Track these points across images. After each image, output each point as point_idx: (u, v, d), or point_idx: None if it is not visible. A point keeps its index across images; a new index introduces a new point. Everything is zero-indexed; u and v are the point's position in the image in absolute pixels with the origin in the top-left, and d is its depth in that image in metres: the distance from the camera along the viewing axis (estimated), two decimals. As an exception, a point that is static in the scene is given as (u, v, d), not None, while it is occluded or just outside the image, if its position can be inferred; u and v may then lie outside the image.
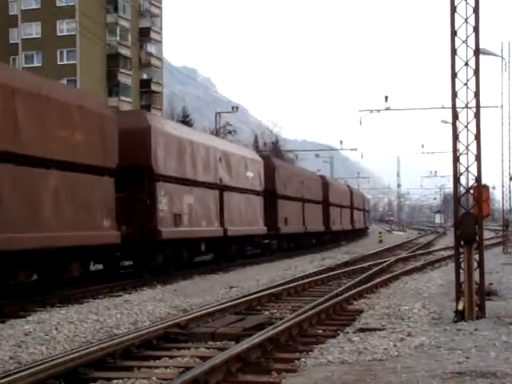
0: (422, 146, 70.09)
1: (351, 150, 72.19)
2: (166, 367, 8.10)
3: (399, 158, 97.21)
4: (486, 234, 45.84)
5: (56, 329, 10.62)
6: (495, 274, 18.97)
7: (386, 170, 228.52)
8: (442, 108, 38.78)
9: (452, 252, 12.77)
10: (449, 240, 39.24)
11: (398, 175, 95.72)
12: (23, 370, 7.29)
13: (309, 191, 37.03)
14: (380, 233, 54.64)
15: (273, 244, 30.29)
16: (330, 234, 43.30)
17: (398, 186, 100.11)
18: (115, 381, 7.50)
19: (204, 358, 8.24)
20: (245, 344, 8.39)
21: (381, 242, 46.51)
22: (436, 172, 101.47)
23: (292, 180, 33.73)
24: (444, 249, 33.28)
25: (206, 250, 23.47)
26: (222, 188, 24.22)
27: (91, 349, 8.39)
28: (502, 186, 34.50)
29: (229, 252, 25.23)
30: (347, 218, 50.07)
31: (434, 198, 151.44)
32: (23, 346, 9.27)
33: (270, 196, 29.95)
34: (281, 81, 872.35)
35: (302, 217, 35.38)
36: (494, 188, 76.96)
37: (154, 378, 7.49)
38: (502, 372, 7.12)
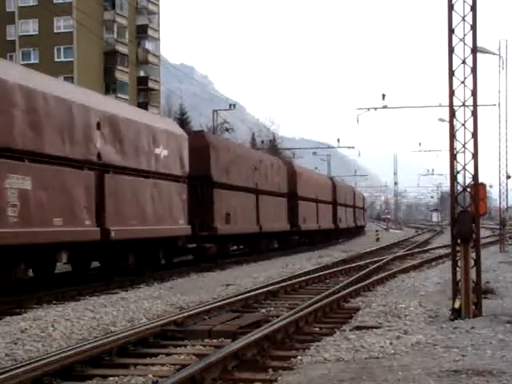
0: (419, 144, 70.17)
1: (348, 148, 72.12)
2: (163, 365, 8.09)
3: (396, 156, 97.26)
4: (483, 233, 45.98)
5: (52, 326, 10.60)
6: (492, 272, 18.99)
7: (383, 168, 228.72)
8: (439, 106, 38.74)
9: (449, 250, 12.78)
10: (446, 238, 39.26)
11: (395, 173, 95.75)
12: (19, 367, 7.27)
13: (321, 193, 41.80)
14: (377, 231, 54.70)
15: (294, 239, 35.19)
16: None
17: (395, 184, 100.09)
18: (111, 378, 7.49)
19: (200, 356, 8.23)
20: (241, 342, 8.38)
21: (378, 240, 46.55)
22: (433, 170, 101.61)
23: (309, 183, 38.54)
24: (441, 247, 33.32)
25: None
26: (257, 192, 28.54)
27: (87, 346, 8.38)
28: (499, 185, 34.51)
29: (262, 245, 29.70)
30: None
31: (431, 197, 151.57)
32: (19, 343, 9.25)
33: (293, 199, 34.16)
34: (278, 79, 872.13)
35: (316, 216, 39.80)
36: (491, 186, 77.09)
37: (150, 376, 7.48)
38: (498, 370, 7.12)
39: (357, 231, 59.59)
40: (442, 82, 11.56)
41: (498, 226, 37.06)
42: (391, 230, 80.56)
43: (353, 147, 70.94)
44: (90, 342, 8.83)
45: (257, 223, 28.30)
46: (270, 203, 30.41)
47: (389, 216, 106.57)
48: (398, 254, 28.22)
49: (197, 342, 9.47)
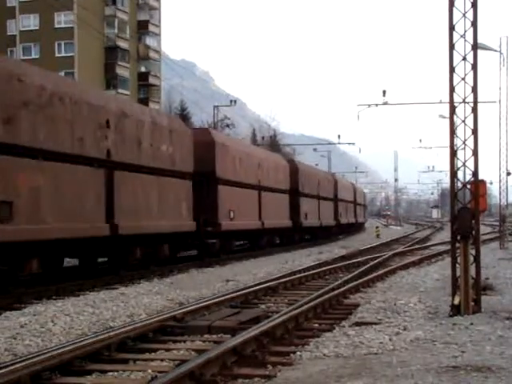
0: (420, 140, 69.96)
1: (349, 144, 72.12)
2: (162, 360, 8.10)
3: (397, 152, 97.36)
4: (483, 229, 45.97)
5: (52, 321, 10.62)
6: (492, 268, 19.00)
7: (383, 165, 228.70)
8: (440, 103, 38.66)
9: (449, 247, 12.79)
10: (446, 235, 39.27)
11: (395, 170, 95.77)
12: (18, 362, 7.28)
13: (323, 190, 42.15)
14: (377, 227, 54.71)
15: (296, 235, 35.57)
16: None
17: (396, 180, 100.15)
18: (110, 373, 7.50)
19: (200, 351, 8.24)
20: (240, 337, 8.39)
21: (378, 236, 46.55)
22: (433, 167, 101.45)
23: (311, 180, 38.97)
24: (441, 243, 33.31)
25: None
26: (260, 188, 29.01)
27: (87, 341, 8.38)
28: (500, 181, 34.49)
29: (266, 241, 30.47)
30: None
31: (432, 193, 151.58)
32: (19, 338, 9.27)
33: (295, 195, 34.54)
34: (279, 75, 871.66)
35: (318, 212, 40.17)
36: (491, 183, 77.04)
37: (149, 371, 7.48)
38: (497, 366, 7.13)
39: (357, 227, 60.33)
40: (442, 78, 11.56)
41: (498, 223, 37.05)
42: (391, 227, 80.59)
43: (353, 143, 70.97)
44: (90, 337, 8.85)
45: (259, 219, 28.50)
46: (273, 200, 30.66)
47: (389, 212, 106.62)
48: (397, 251, 28.22)
49: (196, 337, 9.47)
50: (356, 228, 59.22)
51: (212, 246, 23.57)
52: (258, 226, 28.33)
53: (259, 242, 29.80)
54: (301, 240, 36.65)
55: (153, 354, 8.50)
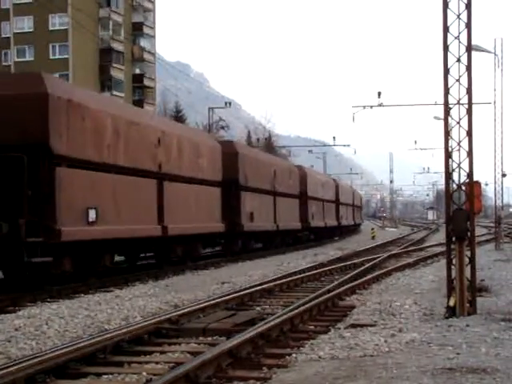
0: (415, 142, 70.22)
1: (344, 146, 72.39)
2: (157, 362, 8.07)
3: (392, 154, 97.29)
4: (479, 231, 46.02)
5: (46, 324, 10.59)
6: (487, 270, 19.02)
7: (378, 166, 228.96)
8: (435, 104, 38.74)
9: (444, 248, 12.79)
10: (441, 236, 39.25)
11: (390, 171, 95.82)
12: (12, 365, 7.25)
13: (327, 193, 45.38)
14: (372, 229, 54.75)
15: (304, 235, 38.81)
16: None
17: (391, 182, 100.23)
18: (105, 376, 7.48)
19: (195, 354, 8.22)
20: (236, 339, 8.37)
21: (373, 238, 46.57)
22: (429, 168, 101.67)
23: (317, 184, 42.17)
24: (436, 245, 33.33)
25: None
26: (275, 194, 32.27)
27: (82, 344, 8.35)
28: (495, 183, 34.55)
29: (278, 242, 33.45)
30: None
31: (427, 195, 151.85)
32: (13, 341, 9.23)
33: (303, 199, 37.83)
34: (274, 76, 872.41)
35: (323, 214, 43.47)
36: (486, 184, 77.15)
37: (144, 374, 7.46)
38: (492, 368, 7.13)
39: (355, 228, 62.78)
40: (437, 80, 11.58)
41: (494, 224, 37.09)
42: (387, 228, 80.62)
43: (348, 145, 71.11)
44: (84, 339, 8.82)
45: (274, 221, 31.93)
46: (285, 204, 34.10)
47: (384, 214, 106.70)
48: (393, 252, 28.24)
49: (191, 339, 9.45)
50: (354, 228, 61.53)
51: (235, 245, 27.23)
52: (274, 228, 31.78)
53: (274, 242, 32.82)
54: (308, 240, 39.68)
55: (148, 356, 8.48)
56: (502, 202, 36.07)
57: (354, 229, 61.15)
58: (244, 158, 27.98)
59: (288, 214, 34.52)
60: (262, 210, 29.76)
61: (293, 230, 36.05)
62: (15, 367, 7.15)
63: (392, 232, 65.88)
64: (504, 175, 34.93)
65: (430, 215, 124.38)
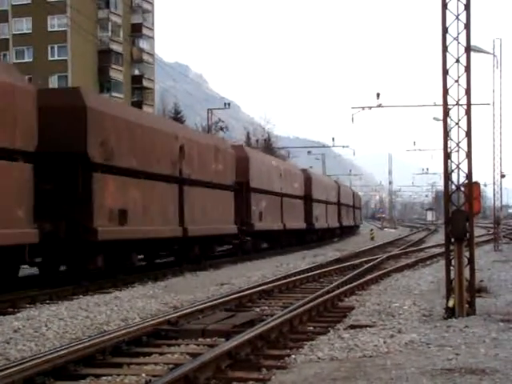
0: (414, 143, 70.23)
1: (343, 147, 72.30)
2: (156, 364, 8.07)
3: (391, 155, 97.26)
4: (478, 232, 45.99)
5: (45, 325, 10.58)
6: (486, 270, 19.03)
7: (377, 168, 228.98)
8: (434, 105, 38.68)
9: (443, 249, 12.80)
10: (440, 237, 39.27)
11: (389, 172, 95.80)
12: (11, 367, 7.24)
13: (329, 195, 46.47)
14: (371, 230, 54.74)
15: (309, 236, 40.10)
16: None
17: (390, 183, 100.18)
18: (104, 377, 7.47)
19: (194, 355, 8.21)
20: (235, 341, 8.37)
21: (372, 239, 46.58)
22: (428, 169, 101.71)
23: (320, 186, 43.46)
24: (435, 246, 33.34)
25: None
26: (282, 195, 33.66)
27: (81, 345, 8.35)
28: (494, 184, 34.55)
29: (286, 241, 34.82)
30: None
31: (426, 196, 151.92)
32: (12, 343, 9.22)
33: (308, 201, 39.12)
34: (273, 78, 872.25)
35: (326, 215, 44.73)
36: (485, 185, 77.19)
37: (143, 375, 7.46)
38: (491, 369, 7.13)
39: (355, 230, 63.08)
40: (436, 80, 11.60)
41: (493, 225, 37.10)
42: (386, 229, 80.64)
43: (347, 146, 71.09)
44: (84, 341, 8.81)
45: (281, 221, 33.19)
46: (291, 205, 35.38)
47: (383, 215, 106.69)
48: (392, 253, 28.24)
49: (190, 341, 9.45)
50: (354, 229, 62.01)
51: (246, 244, 28.24)
52: (281, 228, 33.14)
53: (281, 241, 34.03)
54: (312, 240, 40.64)
55: (147, 357, 8.48)
56: (501, 202, 36.06)
57: (353, 229, 61.70)
58: (254, 161, 29.51)
59: (294, 215, 35.89)
60: (270, 211, 31.18)
61: (298, 230, 37.58)
62: (14, 369, 7.14)
63: (391, 233, 65.89)
64: (503, 176, 34.93)
65: (429, 216, 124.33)
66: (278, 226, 32.72)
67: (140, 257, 20.90)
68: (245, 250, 28.23)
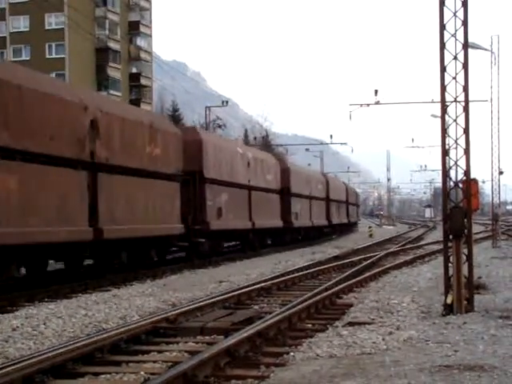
0: (412, 140, 70.42)
1: (341, 144, 72.19)
2: (155, 362, 8.07)
3: (389, 152, 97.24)
4: (476, 228, 46.03)
5: (44, 324, 10.57)
6: (484, 267, 19.05)
7: (376, 164, 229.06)
8: (432, 102, 38.62)
9: (441, 246, 12.83)
10: (438, 234, 39.32)
11: (387, 169, 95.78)
12: (10, 365, 7.24)
13: (315, 189, 42.18)
14: (370, 227, 54.74)
15: (287, 236, 35.38)
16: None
17: (388, 180, 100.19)
18: (103, 375, 7.47)
19: (193, 353, 8.21)
20: (233, 338, 8.37)
21: (371, 236, 46.59)
22: (426, 166, 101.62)
23: (302, 179, 38.82)
24: (433, 243, 33.37)
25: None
26: (250, 188, 29.08)
27: (79, 343, 8.35)
28: (492, 180, 34.56)
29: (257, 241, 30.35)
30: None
31: (424, 192, 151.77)
32: (11, 341, 9.22)
33: (286, 195, 34.41)
34: (271, 75, 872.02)
35: (310, 212, 40.79)
36: (483, 182, 77.16)
37: (142, 373, 7.46)
38: (489, 365, 7.13)
39: (350, 227, 59.10)
40: (434, 77, 11.59)
41: (491, 222, 37.12)
42: (384, 226, 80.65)
43: (345, 143, 71.02)
44: (82, 339, 8.81)
45: (249, 219, 28.21)
46: (263, 200, 30.16)
47: (382, 212, 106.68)
48: (390, 250, 28.25)
49: (189, 338, 9.44)
50: (349, 227, 58.27)
51: (202, 246, 23.32)
52: (249, 226, 28.13)
53: (249, 242, 29.28)
54: (292, 240, 36.38)
55: (145, 355, 8.47)
56: (499, 199, 36.09)
57: (347, 228, 57.67)
58: (209, 145, 24.53)
59: (266, 211, 30.83)
60: (233, 206, 26.23)
61: (272, 229, 33.79)
62: (13, 367, 7.14)
63: (389, 230, 65.93)
64: (501, 173, 34.93)
65: (428, 213, 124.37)
66: (244, 225, 27.51)
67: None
68: (201, 254, 23.32)
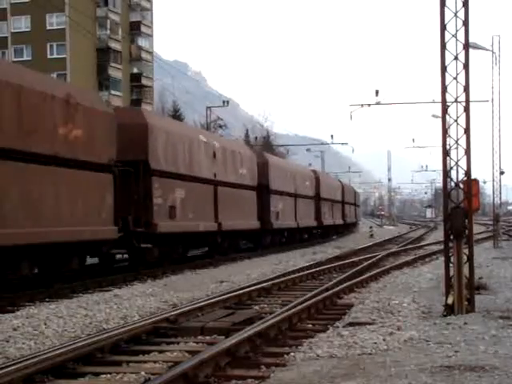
0: (413, 140, 70.12)
1: (342, 144, 72.21)
2: (155, 362, 8.07)
3: (390, 152, 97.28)
4: (477, 229, 46.02)
5: (45, 324, 10.57)
6: (485, 267, 19.04)
7: (376, 165, 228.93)
8: (433, 102, 38.62)
9: (442, 246, 12.82)
10: (439, 234, 39.30)
11: (388, 169, 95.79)
12: (10, 365, 7.24)
13: (301, 187, 37.93)
14: (371, 227, 54.71)
15: (265, 238, 31.52)
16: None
17: (389, 180, 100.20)
18: (103, 375, 7.47)
19: (193, 353, 8.21)
20: (234, 338, 8.36)
21: (371, 236, 46.57)
22: (427, 166, 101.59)
23: (285, 175, 34.46)
24: (434, 243, 33.36)
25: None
26: (216, 183, 25.40)
27: (80, 343, 8.35)
28: (493, 181, 34.54)
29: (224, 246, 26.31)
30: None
31: (425, 193, 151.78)
32: (11, 341, 9.22)
33: (264, 192, 30.48)
34: (272, 75, 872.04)
35: (295, 212, 38.11)
36: (485, 182, 77.14)
37: (142, 373, 7.45)
38: (490, 366, 7.12)
39: (346, 229, 55.16)
40: (435, 78, 11.58)
41: (492, 222, 37.10)
42: (385, 227, 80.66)
43: (346, 143, 71.01)
44: (83, 339, 8.81)
45: (215, 220, 24.12)
46: (234, 197, 26.11)
47: (383, 212, 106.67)
48: (391, 251, 28.25)
49: (189, 338, 9.44)
50: (347, 228, 54.48)
51: (150, 253, 19.59)
52: (213, 228, 24.10)
53: (216, 246, 25.41)
54: (273, 243, 32.24)
55: (146, 355, 8.47)
56: (500, 199, 36.07)
57: (343, 230, 53.35)
58: (155, 130, 19.90)
59: (238, 211, 26.63)
60: (191, 206, 21.90)
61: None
62: (13, 367, 7.14)
63: (390, 230, 65.91)
64: (502, 173, 34.92)
65: (429, 213, 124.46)
66: (207, 227, 23.35)
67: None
68: (148, 262, 19.60)
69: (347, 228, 55.31)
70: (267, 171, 30.63)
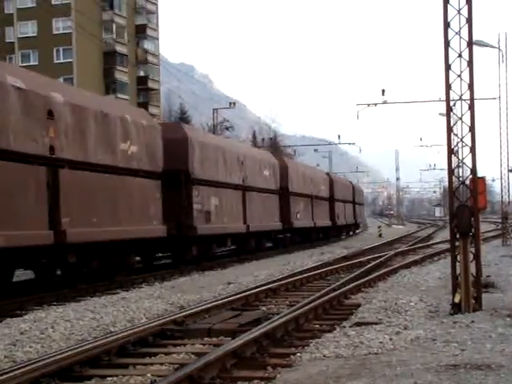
0: (421, 139, 70.11)
1: (349, 144, 72.21)
2: (161, 364, 8.07)
3: (398, 151, 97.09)
4: (486, 227, 45.90)
5: (52, 327, 10.59)
6: (494, 266, 18.97)
7: (384, 164, 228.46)
8: (439, 100, 38.49)
9: (449, 245, 12.83)
10: (448, 233, 39.17)
11: (396, 169, 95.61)
12: (17, 369, 7.26)
13: (317, 189, 39.66)
14: (379, 227, 54.62)
15: (286, 237, 34.25)
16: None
17: (397, 179, 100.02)
18: (110, 378, 7.47)
19: (199, 355, 8.21)
20: (240, 340, 8.36)
21: (380, 236, 46.48)
22: (435, 165, 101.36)
23: (303, 178, 36.65)
24: (443, 242, 33.20)
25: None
26: (244, 188, 27.27)
27: (86, 346, 8.36)
28: (501, 178, 34.43)
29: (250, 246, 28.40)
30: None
31: (434, 192, 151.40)
32: (18, 345, 9.24)
33: (285, 195, 32.74)
34: (279, 76, 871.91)
35: (312, 212, 40.27)
36: (493, 180, 76.84)
37: (148, 375, 7.46)
38: (497, 364, 7.10)
39: (357, 228, 56.93)
40: (440, 76, 11.53)
41: (501, 220, 36.96)
42: (394, 226, 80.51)
43: (353, 143, 70.98)
44: (89, 342, 8.83)
45: (243, 222, 26.15)
46: (259, 200, 28.30)
47: (391, 212, 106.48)
48: (400, 250, 28.16)
49: (196, 340, 9.45)
50: (349, 229, 52.95)
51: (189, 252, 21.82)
52: (242, 230, 26.19)
53: (245, 246, 27.58)
54: (293, 242, 34.29)
55: (152, 358, 8.49)
56: (509, 197, 35.93)
57: (348, 230, 52.56)
58: (196, 143, 22.10)
59: (263, 212, 28.80)
60: (225, 208, 24.38)
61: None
62: (20, 371, 7.16)
63: (399, 230, 65.77)
64: (510, 170, 34.80)
65: (438, 212, 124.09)
66: (237, 229, 25.42)
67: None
68: (188, 260, 21.83)
69: (353, 228, 55.47)
70: (287, 175, 32.51)
